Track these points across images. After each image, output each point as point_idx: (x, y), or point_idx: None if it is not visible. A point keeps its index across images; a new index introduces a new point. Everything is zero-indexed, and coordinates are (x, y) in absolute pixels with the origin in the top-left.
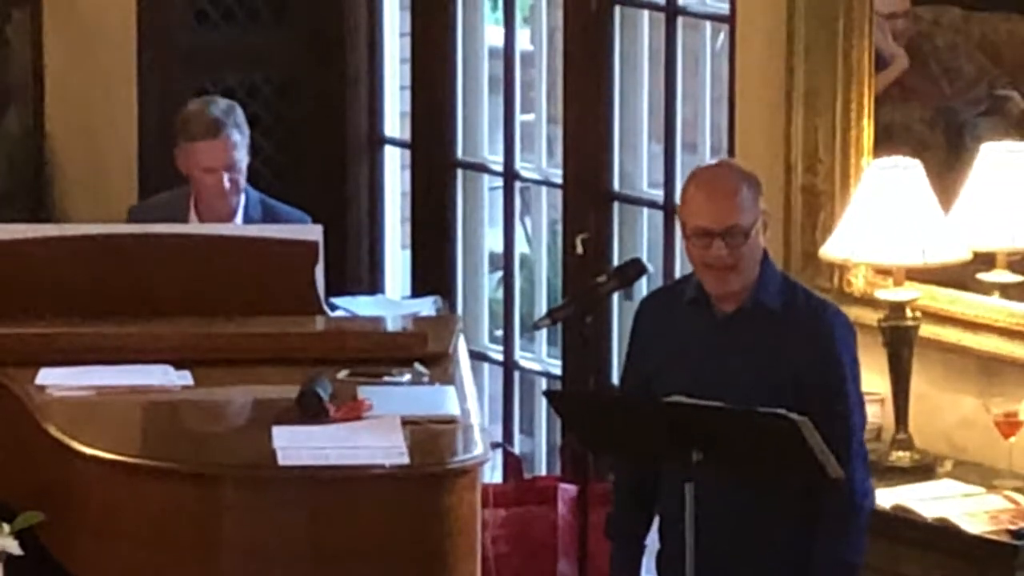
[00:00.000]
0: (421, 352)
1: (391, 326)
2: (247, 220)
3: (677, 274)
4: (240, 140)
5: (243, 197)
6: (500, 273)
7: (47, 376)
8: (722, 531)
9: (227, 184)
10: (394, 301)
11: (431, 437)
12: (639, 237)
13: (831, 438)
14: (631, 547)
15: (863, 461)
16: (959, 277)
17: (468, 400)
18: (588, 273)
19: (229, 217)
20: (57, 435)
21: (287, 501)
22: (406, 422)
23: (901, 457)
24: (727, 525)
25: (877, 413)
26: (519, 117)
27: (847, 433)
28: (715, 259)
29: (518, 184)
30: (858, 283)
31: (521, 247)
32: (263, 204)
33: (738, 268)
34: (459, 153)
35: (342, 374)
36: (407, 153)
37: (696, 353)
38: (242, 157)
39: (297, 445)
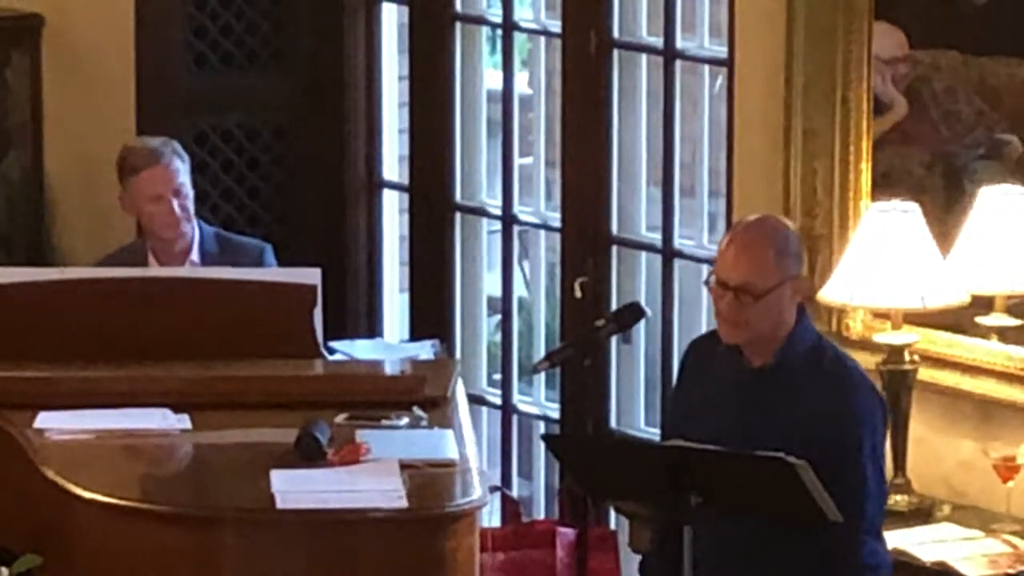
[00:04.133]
0: (419, 396)
1: (389, 370)
2: (203, 255)
3: (675, 318)
4: (182, 167)
5: (197, 232)
6: (498, 317)
7: (46, 419)
8: None
9: (177, 210)
10: (392, 345)
11: (429, 481)
12: (638, 281)
13: (841, 507)
14: None
15: (876, 536)
16: (958, 321)
17: (466, 444)
18: (586, 317)
19: (184, 253)
20: (55, 479)
21: (286, 544)
22: (404, 466)
23: (899, 501)
24: None
25: None
26: (517, 160)
27: (858, 505)
28: (724, 310)
29: (516, 228)
30: (856, 327)
31: (519, 291)
32: (218, 238)
33: (744, 325)
34: (457, 197)
35: (340, 418)
36: (405, 197)
37: (722, 403)
38: (186, 183)
39: (296, 489)
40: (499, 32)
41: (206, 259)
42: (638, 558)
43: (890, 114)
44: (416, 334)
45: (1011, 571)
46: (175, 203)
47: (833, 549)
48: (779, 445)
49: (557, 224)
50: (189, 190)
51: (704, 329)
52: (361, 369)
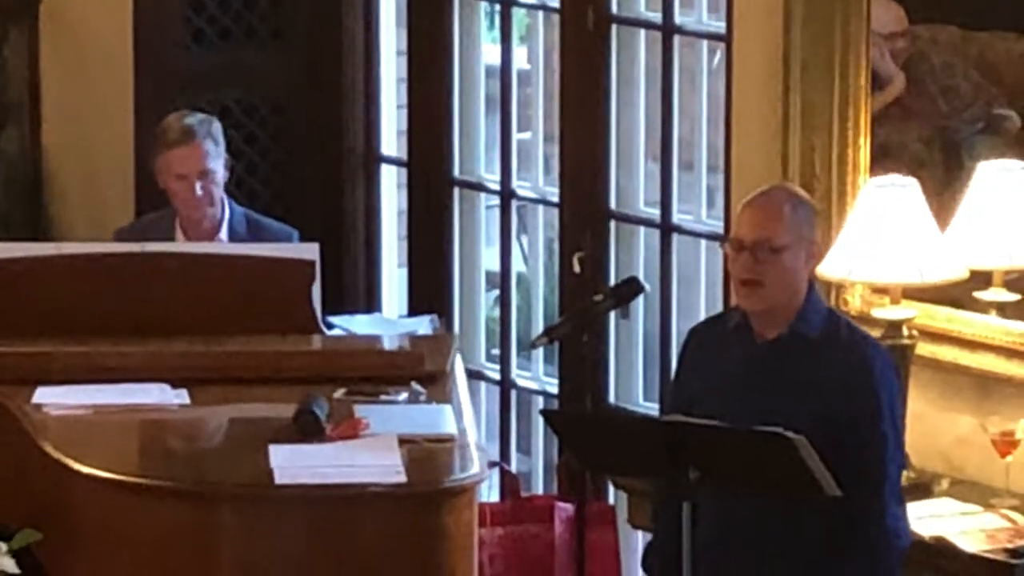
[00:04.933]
0: (418, 371)
1: (388, 345)
2: (232, 235)
3: (674, 293)
4: (214, 150)
5: (227, 212)
6: (497, 292)
7: (44, 395)
8: (749, 560)
9: (199, 191)
10: (391, 320)
11: (428, 456)
12: (636, 256)
13: (864, 473)
14: None
15: (897, 500)
16: (956, 296)
17: (465, 419)
18: (585, 292)
19: (212, 231)
20: (54, 454)
21: (284, 520)
22: (403, 441)
23: None
24: (754, 555)
25: None
26: (516, 136)
27: (880, 470)
28: (740, 270)
29: (515, 203)
30: (855, 302)
31: (518, 266)
32: (248, 219)
33: (764, 285)
34: (456, 172)
35: (339, 393)
36: (404, 172)
37: (734, 380)
38: (216, 168)
39: (294, 464)
40: (497, 7)
41: (234, 239)
42: (637, 533)
43: (889, 89)
44: (414, 309)
45: (1009, 546)
46: (198, 185)
47: (857, 516)
48: (797, 416)
49: (555, 199)
50: (219, 176)
51: (703, 303)
52: (359, 344)
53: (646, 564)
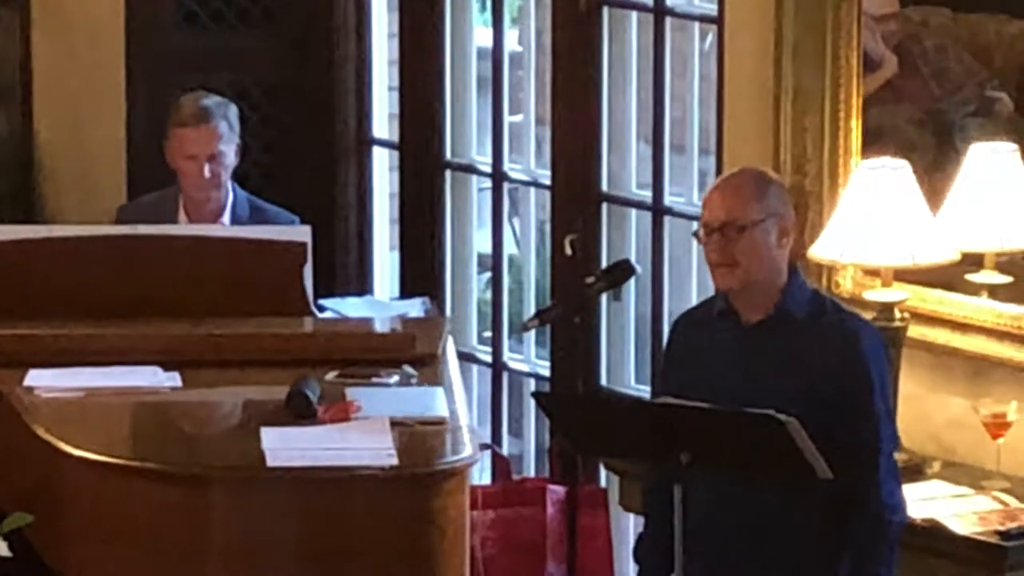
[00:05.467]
0: (410, 353)
1: (379, 327)
2: (235, 219)
3: (665, 275)
4: (227, 134)
5: (231, 196)
6: (488, 274)
7: (36, 377)
8: (745, 542)
9: (207, 174)
10: (382, 302)
11: (420, 438)
12: (628, 238)
13: (857, 451)
14: (658, 572)
15: (893, 476)
16: (948, 278)
17: (456, 401)
18: (577, 274)
19: (216, 214)
20: (45, 436)
21: (276, 502)
22: (395, 423)
23: None
24: (750, 536)
25: None
26: (507, 118)
27: (874, 446)
28: (713, 253)
29: (506, 185)
30: (846, 284)
31: (509, 248)
32: (251, 204)
33: (738, 264)
34: (447, 154)
35: (330, 375)
36: (395, 154)
37: (723, 364)
38: (227, 151)
39: (286, 446)
40: None
41: (236, 224)
42: (629, 515)
43: (880, 71)
44: (406, 292)
45: (1001, 528)
46: (207, 167)
47: (853, 494)
48: (789, 397)
49: (547, 181)
50: (229, 160)
51: (695, 286)
52: (351, 327)
53: (637, 555)
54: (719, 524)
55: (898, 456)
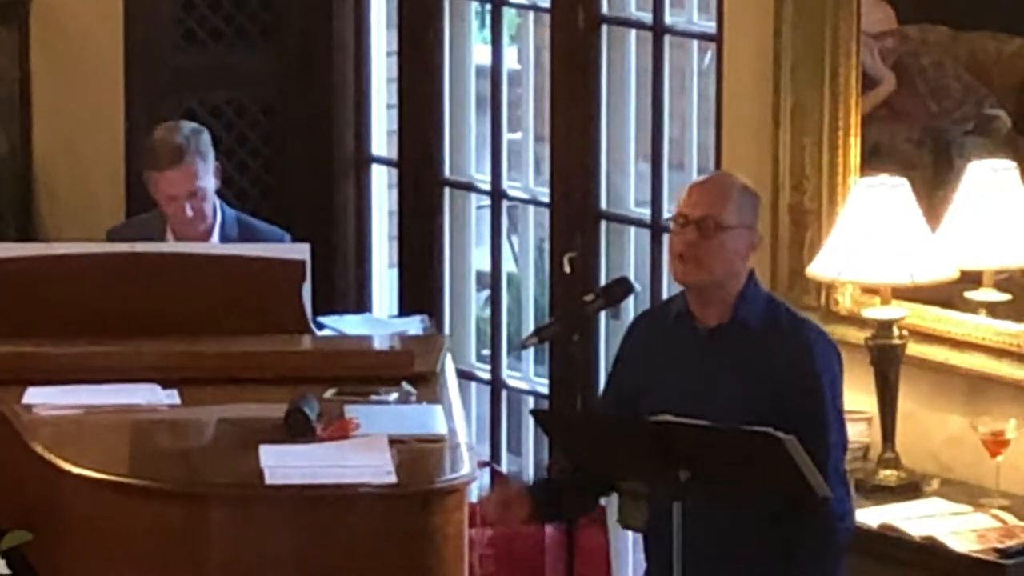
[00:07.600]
0: (408, 371)
1: (378, 345)
2: (224, 239)
3: (664, 293)
4: (203, 167)
5: (218, 216)
6: (487, 292)
7: (34, 395)
8: (702, 553)
9: (189, 212)
10: (381, 320)
11: (418, 456)
12: (626, 256)
13: (809, 455)
14: (547, 487)
15: (842, 483)
16: (946, 296)
17: (455, 419)
18: (575, 292)
19: (204, 236)
20: (44, 454)
21: (274, 520)
22: (393, 441)
23: (888, 476)
24: (707, 546)
25: (864, 432)
26: (506, 136)
27: (825, 454)
28: (680, 244)
29: (505, 203)
30: (845, 302)
31: (508, 266)
32: (240, 222)
33: (702, 261)
34: (446, 172)
35: (329, 393)
36: (394, 172)
37: (678, 368)
38: (206, 185)
39: (284, 464)
40: (488, 7)
41: (225, 243)
42: (627, 533)
43: (879, 89)
44: (405, 309)
45: (1000, 545)
46: (188, 206)
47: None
48: (741, 404)
49: (546, 199)
50: (210, 190)
51: None
52: (350, 344)
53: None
54: (673, 537)
55: (897, 474)
